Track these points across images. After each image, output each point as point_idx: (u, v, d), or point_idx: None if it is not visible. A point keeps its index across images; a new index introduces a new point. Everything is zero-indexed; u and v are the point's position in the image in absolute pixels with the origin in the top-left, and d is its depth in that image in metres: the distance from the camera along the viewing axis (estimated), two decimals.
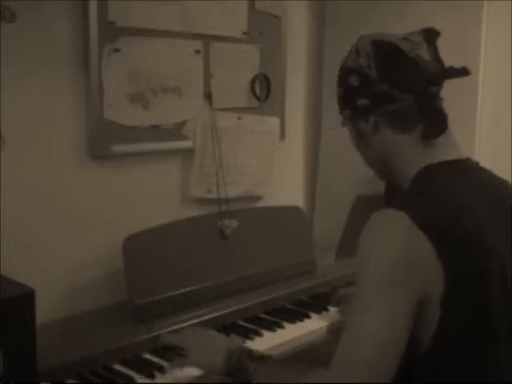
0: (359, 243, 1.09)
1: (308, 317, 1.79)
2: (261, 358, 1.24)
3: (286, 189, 2.31)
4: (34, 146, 1.65)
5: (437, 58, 1.18)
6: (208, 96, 1.99)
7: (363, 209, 2.42)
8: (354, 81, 1.19)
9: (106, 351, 1.49)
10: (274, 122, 2.21)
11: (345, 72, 1.22)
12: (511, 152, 1.98)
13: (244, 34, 2.07)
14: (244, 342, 1.53)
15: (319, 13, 2.34)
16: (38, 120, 1.65)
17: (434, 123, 1.16)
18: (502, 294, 1.08)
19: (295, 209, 2.11)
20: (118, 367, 1.47)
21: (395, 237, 1.04)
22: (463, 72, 1.15)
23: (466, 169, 1.18)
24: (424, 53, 1.17)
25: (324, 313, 1.81)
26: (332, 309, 1.82)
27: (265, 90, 2.15)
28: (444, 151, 1.17)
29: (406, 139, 1.18)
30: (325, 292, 1.94)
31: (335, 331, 1.70)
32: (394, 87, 1.15)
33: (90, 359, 1.46)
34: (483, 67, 1.95)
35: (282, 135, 2.25)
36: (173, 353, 1.52)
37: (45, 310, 1.44)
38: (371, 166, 1.30)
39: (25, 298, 1.23)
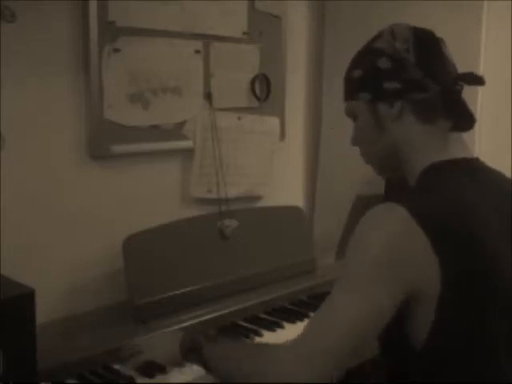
0: (356, 230, 1.09)
1: (308, 317, 1.79)
2: (214, 337, 1.25)
3: (286, 189, 2.31)
4: (34, 146, 1.65)
5: (454, 63, 1.20)
6: (208, 96, 1.99)
7: (363, 209, 2.42)
8: (384, 63, 1.16)
9: (106, 351, 1.49)
10: (273, 122, 2.21)
11: (372, 53, 1.19)
12: (511, 152, 1.98)
13: (244, 34, 2.07)
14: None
15: (319, 13, 2.34)
16: (38, 120, 1.65)
17: (465, 117, 1.17)
18: (503, 295, 1.08)
19: (295, 209, 2.11)
20: (118, 367, 1.47)
21: (390, 228, 1.04)
22: (481, 81, 1.17)
23: (475, 168, 1.17)
24: (448, 53, 1.19)
25: None
26: None
27: (265, 90, 2.15)
28: (455, 149, 1.17)
29: (425, 130, 1.17)
30: (325, 292, 1.94)
31: None
32: (426, 76, 1.14)
33: (90, 359, 1.46)
34: (483, 67, 1.95)
35: (282, 135, 2.25)
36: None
37: (45, 310, 1.44)
38: (376, 157, 1.27)
39: (25, 298, 1.23)
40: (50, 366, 1.36)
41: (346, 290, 1.05)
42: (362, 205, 2.41)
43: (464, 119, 1.17)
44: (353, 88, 1.23)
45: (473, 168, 1.17)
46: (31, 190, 1.65)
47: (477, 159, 1.20)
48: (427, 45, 1.17)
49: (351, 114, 1.26)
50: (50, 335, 1.53)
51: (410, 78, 1.15)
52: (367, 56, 1.21)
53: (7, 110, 1.57)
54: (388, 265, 1.02)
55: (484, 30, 1.96)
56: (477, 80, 1.17)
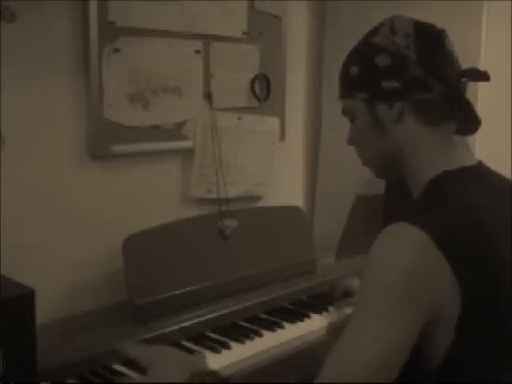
0: (369, 256, 1.01)
1: (308, 317, 1.79)
2: (224, 380, 1.12)
3: (286, 189, 2.31)
4: (34, 146, 1.65)
5: (457, 57, 1.13)
6: (208, 96, 1.99)
7: (363, 209, 2.42)
8: (382, 60, 1.08)
9: (106, 351, 1.49)
10: (273, 122, 2.21)
11: (370, 49, 1.11)
12: (511, 152, 1.98)
13: (244, 34, 2.07)
14: (206, 358, 1.42)
15: (319, 13, 2.34)
16: (38, 120, 1.65)
17: (470, 119, 1.10)
18: None
19: (295, 209, 2.11)
20: (117, 367, 1.47)
21: (409, 253, 0.97)
22: (485, 76, 1.10)
23: (482, 177, 1.11)
24: (452, 47, 1.12)
25: (324, 313, 1.82)
26: (332, 308, 1.82)
27: (265, 90, 2.15)
28: (461, 155, 1.11)
29: (427, 133, 1.10)
30: (325, 292, 1.94)
31: (335, 332, 1.70)
32: (430, 74, 1.07)
33: (90, 359, 1.46)
34: (483, 67, 1.94)
35: (282, 135, 2.25)
36: None
37: (45, 310, 1.45)
38: (375, 160, 1.19)
39: (25, 298, 1.23)
40: (50, 366, 1.36)
41: (368, 326, 0.97)
42: (362, 205, 2.42)
43: (469, 121, 1.11)
44: (349, 86, 1.16)
45: (481, 176, 1.11)
46: (31, 190, 1.65)
47: (481, 164, 1.14)
48: (429, 40, 1.09)
49: (348, 113, 1.18)
50: (50, 335, 1.53)
51: (411, 77, 1.07)
52: (364, 52, 1.13)
53: (7, 110, 1.57)
54: (411, 295, 0.96)
55: (484, 29, 1.96)
56: (481, 76, 1.10)
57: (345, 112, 1.19)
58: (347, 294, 1.72)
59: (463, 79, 1.10)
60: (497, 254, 1.02)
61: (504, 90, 1.99)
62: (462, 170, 1.09)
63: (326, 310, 1.83)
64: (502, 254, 1.03)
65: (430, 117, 1.10)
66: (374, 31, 1.13)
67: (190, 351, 1.55)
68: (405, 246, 0.98)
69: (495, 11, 1.96)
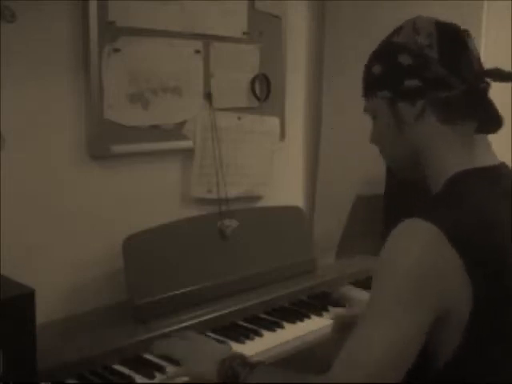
0: (383, 250, 1.02)
1: (308, 317, 1.79)
2: (253, 364, 1.19)
3: (286, 189, 2.31)
4: (34, 146, 1.65)
5: (479, 57, 1.13)
6: (208, 96, 1.99)
7: (363, 209, 2.42)
8: (405, 59, 1.09)
9: (106, 351, 1.49)
10: (273, 122, 2.21)
11: (392, 48, 1.12)
12: (511, 152, 1.98)
13: (244, 34, 2.07)
14: (230, 349, 1.48)
15: (319, 13, 2.34)
16: (38, 120, 1.65)
17: (489, 118, 1.11)
18: None
19: (295, 209, 2.11)
20: (117, 367, 1.47)
21: (423, 249, 0.98)
22: (510, 77, 1.10)
23: (503, 177, 1.11)
24: (474, 46, 1.12)
25: (324, 313, 1.82)
26: (332, 309, 1.82)
27: (265, 90, 2.15)
28: (481, 155, 1.12)
29: (448, 132, 1.10)
30: (325, 292, 1.94)
31: (341, 329, 1.69)
32: (451, 73, 1.08)
33: (89, 359, 1.46)
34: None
35: (282, 135, 2.25)
36: None
37: (45, 310, 1.44)
38: (397, 158, 1.20)
39: (25, 298, 1.23)
40: (50, 366, 1.36)
41: (381, 321, 0.98)
42: (362, 205, 2.42)
43: (490, 120, 1.11)
44: (372, 85, 1.17)
45: (501, 177, 1.11)
46: (31, 190, 1.65)
47: (503, 165, 1.15)
48: (452, 40, 1.10)
49: (370, 112, 1.20)
50: (50, 335, 1.53)
51: (432, 76, 1.08)
52: (387, 51, 1.14)
53: (7, 110, 1.57)
54: (422, 291, 0.97)
55: (484, 29, 1.96)
56: (505, 76, 1.10)
57: (367, 110, 1.20)
58: (342, 302, 1.73)
59: (486, 79, 1.11)
60: (509, 255, 1.02)
61: (504, 90, 1.99)
62: (481, 170, 1.10)
63: (326, 310, 1.83)
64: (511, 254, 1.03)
65: (450, 116, 1.10)
66: (397, 31, 1.15)
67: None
68: (418, 240, 0.99)
69: (495, 11, 1.97)
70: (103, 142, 1.77)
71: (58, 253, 1.71)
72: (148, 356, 1.52)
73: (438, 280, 0.98)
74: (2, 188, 1.58)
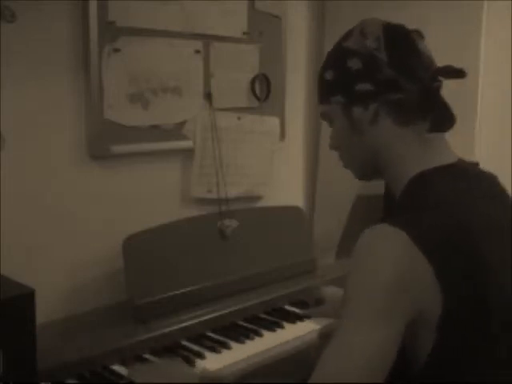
0: (352, 258, 1.02)
1: (308, 317, 1.79)
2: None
3: (286, 189, 2.31)
4: (34, 146, 1.65)
5: (431, 56, 1.14)
6: (208, 96, 1.99)
7: (363, 209, 2.42)
8: (355, 64, 1.11)
9: (106, 351, 1.49)
10: (273, 122, 2.21)
11: (342, 53, 1.14)
12: (511, 152, 1.98)
13: (244, 34, 2.07)
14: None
15: (319, 13, 2.34)
16: (38, 120, 1.65)
17: (443, 116, 1.11)
18: (504, 309, 1.04)
19: (295, 209, 2.11)
20: (117, 367, 1.47)
21: (390, 254, 0.98)
22: (461, 73, 1.10)
23: (462, 175, 1.12)
24: (424, 46, 1.13)
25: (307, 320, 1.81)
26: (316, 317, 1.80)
27: (265, 90, 2.15)
28: (439, 154, 1.12)
29: (404, 133, 1.11)
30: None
31: (327, 335, 1.69)
32: (401, 75, 1.09)
33: (89, 359, 1.46)
34: (483, 67, 1.95)
35: (282, 135, 2.25)
36: (173, 353, 1.53)
37: (45, 310, 1.44)
38: (355, 163, 1.22)
39: (25, 298, 1.23)
40: (50, 366, 1.36)
41: (356, 328, 0.98)
42: (362, 205, 2.42)
43: (443, 119, 1.12)
44: (325, 90, 1.19)
45: (460, 174, 1.12)
46: (31, 190, 1.65)
47: (461, 162, 1.15)
48: (399, 41, 1.11)
49: (326, 118, 1.22)
50: (50, 335, 1.53)
51: (383, 79, 1.09)
52: (338, 56, 1.16)
53: (7, 110, 1.57)
54: (391, 295, 0.97)
55: (484, 30, 1.96)
56: (456, 73, 1.10)
57: (323, 116, 1.23)
58: (320, 301, 1.76)
59: (438, 78, 1.11)
60: (477, 251, 1.02)
61: (504, 90, 1.99)
62: (440, 169, 1.10)
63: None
64: (484, 250, 1.03)
65: (405, 117, 1.11)
66: (346, 36, 1.16)
67: (190, 351, 1.55)
68: (385, 246, 0.99)
69: (495, 11, 1.96)
70: (103, 142, 1.77)
71: (58, 253, 1.71)
72: (148, 356, 1.53)
73: (408, 283, 0.98)
74: (2, 188, 1.58)
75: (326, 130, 2.35)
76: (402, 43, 1.11)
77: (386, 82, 1.09)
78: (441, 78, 1.12)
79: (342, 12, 2.29)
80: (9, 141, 1.58)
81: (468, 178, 1.12)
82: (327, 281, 2.00)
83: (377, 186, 2.37)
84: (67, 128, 1.72)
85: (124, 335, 1.56)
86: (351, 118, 1.15)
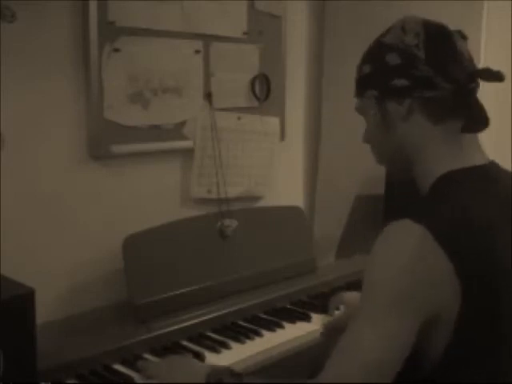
0: (373, 250, 1.02)
1: (308, 317, 1.79)
2: (240, 374, 1.20)
3: (286, 189, 2.31)
4: (34, 146, 1.65)
5: (471, 57, 1.14)
6: (208, 96, 1.99)
7: (363, 209, 2.43)
8: (393, 59, 1.11)
9: (106, 351, 1.49)
10: (274, 122, 2.21)
11: (382, 49, 1.14)
12: (511, 152, 1.98)
13: (244, 34, 2.07)
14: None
15: (319, 13, 2.34)
16: (38, 120, 1.65)
17: (476, 117, 1.11)
18: None
19: (295, 209, 2.11)
20: (117, 367, 1.47)
21: (414, 252, 0.99)
22: (499, 76, 1.10)
23: (491, 178, 1.12)
24: (464, 46, 1.14)
25: (319, 315, 1.81)
26: (320, 316, 1.80)
27: (265, 90, 2.15)
28: (470, 154, 1.12)
29: (436, 131, 1.11)
30: (325, 292, 1.94)
31: (329, 333, 1.70)
32: (437, 73, 1.09)
33: (89, 359, 1.46)
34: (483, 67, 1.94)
35: (282, 135, 2.25)
36: (173, 353, 1.53)
37: (45, 310, 1.45)
38: (386, 158, 1.22)
39: (25, 298, 1.23)
40: (50, 366, 1.36)
41: (369, 324, 0.99)
42: (362, 205, 2.42)
43: (476, 120, 1.12)
44: (362, 84, 1.20)
45: (490, 176, 1.12)
46: (31, 190, 1.65)
47: (493, 164, 1.15)
48: (439, 40, 1.12)
49: (361, 111, 1.22)
50: (49, 335, 1.52)
51: (419, 75, 1.10)
52: (376, 51, 1.16)
53: (7, 110, 1.57)
54: (411, 294, 0.98)
55: (484, 30, 1.96)
56: (495, 76, 1.10)
57: (358, 110, 1.22)
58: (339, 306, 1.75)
59: (475, 79, 1.11)
60: (498, 253, 1.02)
61: (504, 90, 1.99)
62: (470, 170, 1.10)
63: (326, 309, 1.82)
64: (503, 253, 1.03)
65: (438, 115, 1.12)
66: (387, 32, 1.16)
67: (190, 351, 1.55)
68: (406, 241, 1.00)
69: (495, 11, 1.97)
70: (103, 142, 1.77)
71: (58, 253, 1.71)
72: (148, 356, 1.53)
73: (427, 283, 0.98)
74: (2, 188, 1.58)
75: (326, 130, 2.37)
76: (440, 42, 1.12)
77: (421, 78, 1.10)
78: (478, 80, 1.12)
79: (342, 12, 2.29)
80: (9, 141, 1.58)
81: (496, 181, 1.13)
82: (327, 281, 2.00)
83: (377, 186, 2.38)
84: (67, 128, 1.72)
85: (124, 335, 1.56)
86: (385, 113, 1.15)
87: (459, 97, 1.10)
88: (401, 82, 1.11)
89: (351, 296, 1.71)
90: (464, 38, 1.16)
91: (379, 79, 1.15)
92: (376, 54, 1.16)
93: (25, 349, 1.23)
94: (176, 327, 1.62)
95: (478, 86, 1.13)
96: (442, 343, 1.01)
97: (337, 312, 1.77)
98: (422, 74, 1.10)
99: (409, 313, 0.98)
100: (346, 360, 1.00)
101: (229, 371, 1.20)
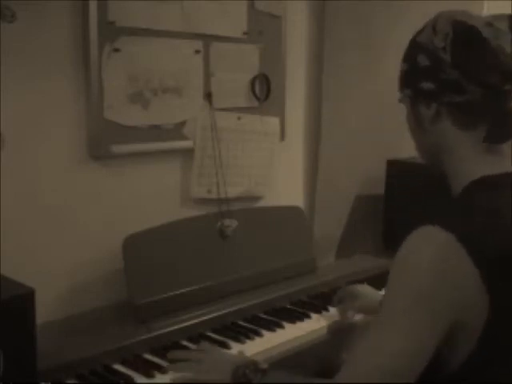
0: (399, 254, 1.01)
1: (308, 317, 1.79)
2: (264, 370, 1.23)
3: (286, 189, 2.31)
4: (34, 146, 1.65)
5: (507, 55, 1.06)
6: (208, 96, 1.99)
7: (363, 209, 2.43)
8: (423, 60, 1.09)
9: (106, 351, 1.49)
10: (274, 122, 2.21)
11: (415, 48, 1.12)
12: (511, 152, 1.98)
13: (244, 34, 2.07)
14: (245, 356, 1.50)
15: (319, 13, 2.34)
16: (38, 120, 1.65)
17: (502, 125, 1.07)
18: None
19: (295, 209, 2.11)
20: (117, 367, 1.47)
21: (440, 258, 0.97)
22: None
23: None
24: (506, 43, 1.05)
25: (324, 313, 1.82)
26: (332, 309, 1.82)
27: (265, 90, 2.15)
28: (501, 161, 1.10)
29: (465, 137, 1.09)
30: (325, 292, 1.95)
31: (336, 331, 1.70)
32: (465, 77, 1.05)
33: (89, 359, 1.46)
34: None
35: (282, 135, 2.25)
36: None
37: (45, 310, 1.45)
38: (420, 152, 1.21)
39: (25, 298, 1.23)
40: (49, 366, 1.36)
41: (393, 329, 0.99)
42: (362, 205, 2.42)
43: (503, 128, 1.08)
44: (400, 81, 1.18)
45: None
46: (31, 190, 1.65)
47: None
48: (466, 42, 1.06)
49: (404, 104, 1.20)
50: (49, 335, 1.52)
51: (446, 79, 1.06)
52: (411, 50, 1.14)
53: (7, 110, 1.57)
54: (437, 301, 0.97)
55: None
56: None
57: (400, 101, 1.20)
58: (352, 299, 1.75)
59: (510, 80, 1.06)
60: None
61: None
62: (502, 176, 1.08)
63: (326, 310, 1.83)
64: None
65: (465, 120, 1.09)
66: (422, 29, 1.13)
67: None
68: (435, 249, 0.98)
69: (495, 11, 1.96)
70: (103, 142, 1.77)
71: (58, 253, 1.71)
72: (148, 356, 1.53)
73: (453, 290, 0.97)
74: (2, 188, 1.58)
75: (326, 130, 2.37)
76: (469, 43, 1.06)
77: (448, 82, 1.06)
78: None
79: (342, 12, 2.29)
80: (9, 141, 1.58)
81: None
82: (327, 281, 2.00)
83: (377, 186, 2.38)
84: (67, 128, 1.72)
85: (124, 335, 1.56)
86: (416, 113, 1.14)
87: (491, 101, 1.06)
88: (428, 85, 1.09)
89: (364, 289, 1.74)
90: (500, 38, 1.07)
91: (412, 79, 1.13)
92: (410, 53, 1.14)
93: (25, 349, 1.23)
94: (176, 327, 1.62)
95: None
96: (465, 350, 1.00)
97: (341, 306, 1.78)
98: (449, 78, 1.06)
99: (433, 320, 0.97)
100: (364, 362, 1.00)
101: (254, 364, 1.24)
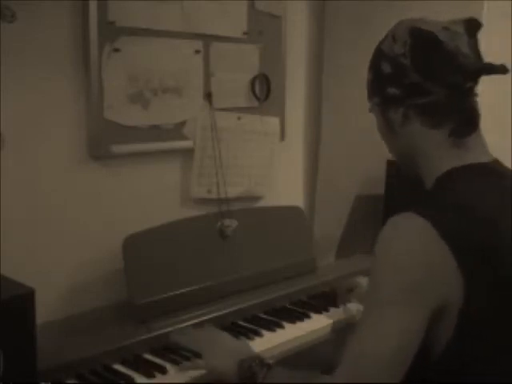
0: (378, 242, 1.05)
1: (308, 317, 1.79)
2: (270, 365, 1.25)
3: (286, 189, 2.31)
4: (34, 146, 1.65)
5: (476, 52, 1.13)
6: (208, 96, 1.99)
7: (363, 209, 2.42)
8: (385, 67, 1.14)
9: (106, 351, 1.49)
10: (274, 122, 2.21)
11: (378, 57, 1.18)
12: (511, 152, 1.98)
13: (244, 34, 2.07)
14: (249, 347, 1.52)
15: (319, 13, 2.34)
16: (38, 120, 1.65)
17: (464, 121, 1.12)
18: None
19: (295, 209, 2.11)
20: (117, 367, 1.47)
21: (417, 244, 1.01)
22: (501, 69, 1.10)
23: (493, 174, 1.13)
24: (463, 45, 1.12)
25: (324, 313, 1.82)
26: (332, 309, 1.82)
27: (265, 90, 2.15)
28: (472, 153, 1.13)
29: (434, 135, 1.13)
30: (325, 292, 1.94)
31: (339, 330, 1.70)
32: (427, 79, 1.10)
33: (89, 359, 1.46)
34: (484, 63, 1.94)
35: (282, 135, 2.25)
36: (173, 353, 1.53)
37: (45, 310, 1.45)
38: (395, 157, 1.26)
39: (25, 298, 1.23)
40: (50, 366, 1.36)
41: (378, 317, 1.02)
42: (362, 205, 2.42)
43: (466, 124, 1.13)
44: (368, 89, 1.22)
45: (491, 174, 1.13)
46: (31, 190, 1.65)
47: (496, 162, 1.16)
48: (424, 47, 1.12)
49: (373, 113, 1.24)
50: (49, 335, 1.53)
51: (408, 83, 1.11)
52: (374, 58, 1.19)
53: (7, 110, 1.57)
54: (418, 285, 1.00)
55: (484, 29, 1.95)
56: (498, 69, 1.10)
57: (371, 111, 1.25)
58: (350, 289, 1.80)
59: (473, 78, 1.12)
60: (501, 249, 1.04)
61: (504, 90, 1.99)
62: (473, 166, 1.12)
63: (326, 310, 1.83)
64: (507, 249, 1.04)
65: (433, 120, 1.13)
66: (384, 38, 1.18)
67: (190, 351, 1.55)
68: (412, 235, 1.02)
69: (495, 11, 1.96)
70: (103, 142, 1.77)
71: (58, 253, 1.71)
72: (148, 356, 1.53)
73: (432, 275, 1.00)
74: (2, 188, 1.58)
75: (326, 130, 2.37)
76: (427, 47, 1.12)
77: (411, 86, 1.12)
78: (475, 78, 1.12)
79: (342, 12, 2.29)
80: (9, 141, 1.58)
81: (500, 178, 1.14)
82: (327, 281, 2.00)
83: (377, 186, 2.37)
84: (67, 128, 1.72)
85: (124, 335, 1.56)
86: (387, 119, 1.18)
87: (455, 99, 1.11)
88: (393, 91, 1.14)
89: (361, 280, 1.76)
90: (471, 32, 1.14)
91: (378, 87, 1.18)
92: (374, 61, 1.19)
93: (25, 349, 1.23)
94: (176, 327, 1.62)
95: (475, 84, 1.13)
96: (444, 336, 1.03)
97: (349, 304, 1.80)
98: (412, 82, 1.11)
99: (417, 304, 1.00)
100: (361, 351, 1.02)
101: (259, 359, 1.27)
